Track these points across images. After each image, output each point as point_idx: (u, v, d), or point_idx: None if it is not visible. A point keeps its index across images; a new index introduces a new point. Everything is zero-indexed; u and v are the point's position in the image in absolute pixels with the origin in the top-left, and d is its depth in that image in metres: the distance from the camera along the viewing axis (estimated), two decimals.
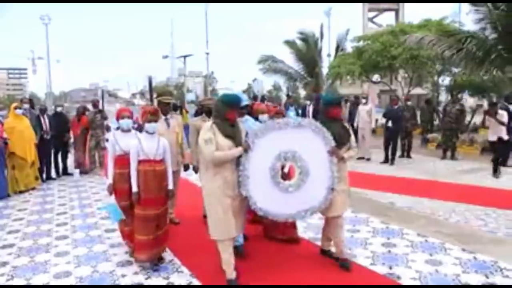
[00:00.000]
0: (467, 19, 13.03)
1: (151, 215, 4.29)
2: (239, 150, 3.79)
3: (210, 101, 5.41)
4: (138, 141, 4.30)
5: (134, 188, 4.26)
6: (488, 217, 5.93)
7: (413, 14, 63.33)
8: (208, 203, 3.92)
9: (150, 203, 4.28)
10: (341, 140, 4.10)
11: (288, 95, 17.96)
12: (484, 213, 6.14)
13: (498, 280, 3.91)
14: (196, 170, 5.31)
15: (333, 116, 4.18)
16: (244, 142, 3.87)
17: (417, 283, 3.84)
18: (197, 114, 9.13)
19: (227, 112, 3.80)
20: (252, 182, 3.82)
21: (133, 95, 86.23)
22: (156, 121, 4.33)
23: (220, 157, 3.73)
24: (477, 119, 15.70)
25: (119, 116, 4.77)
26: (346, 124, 4.39)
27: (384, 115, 11.15)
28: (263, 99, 15.30)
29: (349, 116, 12.50)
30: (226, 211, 3.82)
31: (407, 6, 37.74)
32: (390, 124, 10.76)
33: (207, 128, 3.78)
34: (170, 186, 4.48)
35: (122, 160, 4.51)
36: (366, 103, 11.74)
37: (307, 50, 22.51)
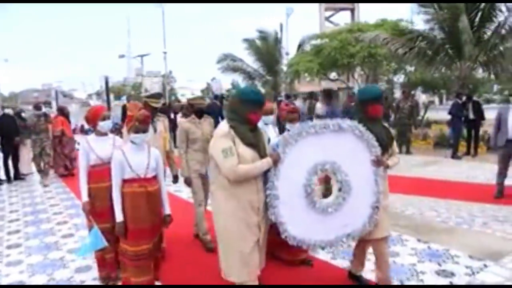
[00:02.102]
0: (420, 19, 13.56)
1: (144, 251, 3.41)
2: (268, 162, 2.96)
3: (201, 100, 5.00)
4: (122, 154, 3.39)
5: (119, 218, 3.36)
6: (440, 208, 6.20)
7: (368, 14, 65.27)
8: (226, 236, 3.05)
9: (143, 235, 3.40)
10: (384, 145, 3.39)
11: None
12: (437, 204, 6.41)
13: (449, 266, 4.12)
14: (188, 182, 4.72)
15: (374, 115, 3.40)
16: (271, 152, 3.10)
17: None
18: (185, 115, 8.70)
19: (248, 112, 2.95)
20: (283, 203, 3.04)
21: (89, 95, 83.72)
22: (145, 131, 3.45)
23: (246, 173, 2.88)
24: (430, 114, 16.34)
25: (96, 117, 3.87)
26: (386, 124, 3.66)
27: (342, 112, 11.41)
28: (222, 98, 15.28)
29: (308, 113, 12.68)
30: (252, 248, 3.02)
31: (362, 6, 38.71)
32: (348, 120, 11.00)
33: (223, 133, 2.92)
34: (167, 211, 3.63)
35: (100, 171, 3.67)
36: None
37: (266, 48, 22.63)
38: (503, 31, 12.43)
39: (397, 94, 22.49)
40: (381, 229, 3.43)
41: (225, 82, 54.02)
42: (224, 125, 3.01)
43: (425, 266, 4.14)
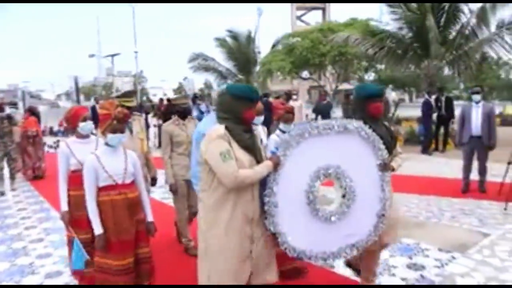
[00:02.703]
0: (389, 18, 13.94)
1: (130, 264, 3.15)
2: (268, 166, 2.65)
3: (185, 99, 4.65)
4: (95, 159, 3.09)
5: (98, 230, 3.06)
6: (411, 203, 6.37)
7: (339, 13, 66.13)
8: (216, 248, 2.67)
9: (125, 248, 3.13)
10: (388, 146, 3.14)
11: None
12: (408, 199, 6.57)
13: (419, 260, 4.24)
14: (174, 190, 4.48)
15: (376, 114, 3.20)
16: (271, 154, 2.85)
17: (348, 270, 4.02)
18: (165, 117, 8.17)
19: (243, 110, 2.66)
20: (282, 211, 2.73)
21: (58, 96, 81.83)
22: (123, 130, 3.16)
23: (247, 178, 2.56)
24: (400, 112, 16.69)
25: (77, 118, 3.57)
26: (386, 123, 3.48)
27: (314, 110, 11.56)
28: (195, 97, 15.18)
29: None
30: (243, 260, 2.69)
31: (333, 5, 39.25)
32: (319, 119, 11.16)
33: (218, 134, 2.59)
34: (150, 218, 3.35)
35: (80, 177, 3.22)
36: (296, 99, 12.08)
37: (239, 47, 22.61)
38: (467, 32, 12.94)
39: None
40: (392, 233, 3.35)
41: (198, 82, 53.80)
42: (217, 126, 2.67)
43: (397, 260, 4.23)
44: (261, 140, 3.08)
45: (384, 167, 3.06)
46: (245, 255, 2.68)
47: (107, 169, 3.08)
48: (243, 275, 2.69)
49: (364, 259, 3.47)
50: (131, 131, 4.14)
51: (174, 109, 4.56)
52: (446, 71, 15.15)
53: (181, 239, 4.71)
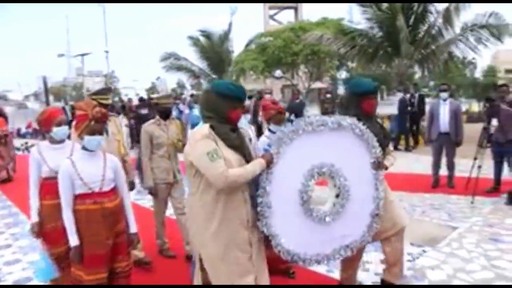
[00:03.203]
0: (361, 17, 14.23)
1: (100, 280, 2.91)
2: (260, 163, 2.52)
3: (167, 99, 4.40)
4: (70, 164, 2.86)
5: (73, 241, 2.84)
6: None
7: (311, 12, 66.71)
8: (210, 258, 2.54)
9: (98, 263, 2.89)
10: (381, 144, 3.06)
11: (192, 94, 17.88)
12: None
13: None
14: (154, 193, 4.30)
15: (370, 111, 3.16)
16: (263, 152, 2.76)
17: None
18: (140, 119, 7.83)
19: (229, 110, 2.53)
20: (275, 212, 2.60)
21: (26, 97, 79.44)
22: (102, 132, 2.94)
23: (238, 178, 2.41)
24: None
25: (51, 122, 3.24)
26: (379, 120, 3.45)
27: (287, 109, 11.61)
28: (174, 97, 15.02)
29: (254, 111, 12.72)
30: (244, 272, 2.53)
31: (306, 4, 39.56)
32: (293, 117, 11.23)
33: (203, 134, 2.46)
34: (133, 228, 3.11)
35: (53, 185, 2.99)
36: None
37: (212, 47, 22.53)
38: (434, 32, 13.34)
39: (341, 90, 23.25)
40: (398, 220, 3.30)
41: (171, 82, 53.30)
42: (202, 126, 2.54)
43: (371, 256, 4.30)
44: (250, 140, 2.93)
45: (378, 165, 3.00)
46: (245, 260, 2.53)
47: (82, 176, 2.84)
48: (244, 282, 2.51)
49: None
50: (107, 132, 3.90)
51: (156, 109, 4.33)
52: (416, 69, 15.56)
53: (159, 245, 4.62)
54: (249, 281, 2.51)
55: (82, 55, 33.15)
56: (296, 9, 37.29)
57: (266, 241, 2.66)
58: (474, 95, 32.68)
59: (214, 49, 22.40)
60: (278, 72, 21.12)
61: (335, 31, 15.24)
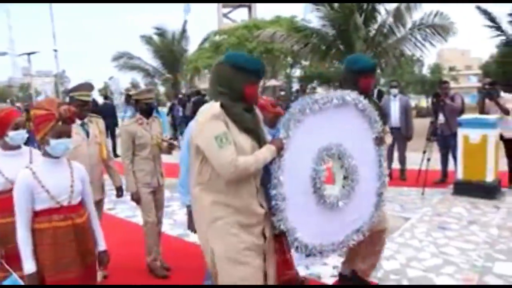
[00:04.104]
0: (314, 15, 14.50)
1: None
2: (271, 150, 2.23)
3: (149, 94, 3.93)
4: (31, 174, 2.36)
5: (29, 267, 2.32)
6: None
7: (264, 10, 67.12)
8: (222, 256, 2.23)
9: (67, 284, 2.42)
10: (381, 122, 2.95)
11: (128, 94, 17.61)
12: None
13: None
14: (137, 199, 3.84)
15: (367, 89, 3.00)
16: (272, 138, 2.38)
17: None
18: None
19: (246, 85, 2.20)
20: (290, 204, 2.35)
21: None
22: (70, 134, 2.47)
23: (250, 166, 2.13)
24: None
25: (5, 125, 2.74)
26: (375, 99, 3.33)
27: None
28: (128, 96, 14.70)
29: None
30: (258, 267, 2.26)
31: (259, 2, 39.75)
32: None
33: (213, 114, 2.12)
34: (101, 246, 2.65)
35: (8, 200, 2.48)
36: None
37: (165, 46, 22.20)
38: (385, 30, 13.82)
39: (295, 87, 23.56)
40: (384, 218, 3.17)
41: (124, 81, 52.03)
42: (212, 105, 2.18)
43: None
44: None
45: (381, 141, 2.85)
46: (259, 258, 2.27)
47: (48, 188, 2.36)
48: (257, 281, 2.26)
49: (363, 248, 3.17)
50: (87, 134, 3.54)
51: (137, 105, 3.92)
52: None
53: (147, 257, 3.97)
54: (259, 280, 2.26)
55: (29, 54, 31.55)
56: (249, 7, 37.38)
57: (278, 239, 2.48)
58: (422, 91, 34.00)
59: (168, 48, 22.09)
60: None
61: (288, 29, 15.41)
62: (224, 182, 2.16)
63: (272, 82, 24.38)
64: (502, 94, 6.53)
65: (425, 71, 35.29)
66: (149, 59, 22.60)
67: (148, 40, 22.15)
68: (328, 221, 2.59)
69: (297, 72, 21.87)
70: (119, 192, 3.90)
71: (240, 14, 38.12)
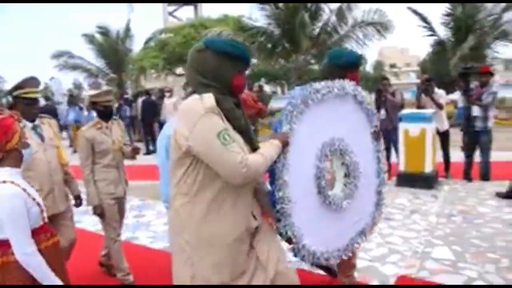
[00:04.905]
0: (260, 14, 14.66)
1: None
2: (276, 145, 1.96)
3: (108, 96, 3.58)
4: (19, 188, 2.00)
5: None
6: None
7: (211, 9, 66.67)
8: (210, 271, 1.86)
9: None
10: None
11: (71, 94, 17.04)
12: None
13: None
14: (100, 212, 3.44)
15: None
16: (276, 133, 2.10)
17: None
18: None
19: (233, 75, 1.90)
20: (296, 207, 2.11)
21: None
22: (25, 145, 2.14)
23: (259, 168, 1.83)
24: (273, 104, 17.54)
25: None
26: None
27: None
28: (71, 96, 14.18)
29: (155, 109, 12.35)
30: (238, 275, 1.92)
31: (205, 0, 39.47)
32: None
33: (208, 106, 1.76)
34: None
35: None
36: (171, 96, 11.96)
37: (109, 45, 21.54)
38: (329, 29, 14.23)
39: None
40: None
41: (66, 82, 49.87)
42: (203, 97, 1.79)
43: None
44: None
45: (378, 135, 2.67)
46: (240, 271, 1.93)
47: (39, 201, 2.09)
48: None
49: None
50: (41, 138, 3.15)
51: (95, 108, 3.59)
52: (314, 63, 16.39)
53: (115, 273, 3.63)
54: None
55: None
56: (196, 5, 37.05)
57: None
58: (366, 88, 35.18)
59: (112, 47, 21.44)
60: (179, 70, 20.86)
61: (235, 28, 15.45)
62: (216, 192, 1.82)
63: None
64: (436, 90, 6.90)
65: (368, 68, 36.61)
66: (92, 58, 21.86)
67: (90, 39, 21.40)
68: (333, 224, 2.36)
69: None
70: (78, 201, 3.48)
71: (186, 13, 37.66)
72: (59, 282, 2.07)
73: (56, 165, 3.21)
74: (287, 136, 2.03)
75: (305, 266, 3.43)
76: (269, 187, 2.13)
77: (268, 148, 1.93)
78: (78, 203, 3.50)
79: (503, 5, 15.05)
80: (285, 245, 2.22)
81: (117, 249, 3.56)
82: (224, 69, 1.87)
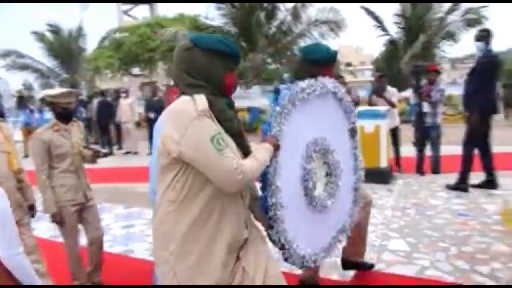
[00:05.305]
0: (216, 14, 14.64)
1: None
2: (268, 149, 1.89)
3: (69, 98, 3.30)
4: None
5: None
6: None
7: (166, 8, 65.74)
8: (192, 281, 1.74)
9: None
10: None
11: (42, 99, 16.37)
12: None
13: None
14: (59, 220, 3.21)
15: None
16: (265, 135, 2.01)
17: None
18: None
19: (224, 74, 1.80)
20: (287, 212, 2.06)
21: None
22: None
23: (253, 174, 1.76)
24: None
25: None
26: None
27: (146, 107, 11.36)
28: (20, 97, 13.59)
29: (111, 111, 12.05)
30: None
31: None
32: (152, 115, 10.98)
33: (200, 109, 1.65)
34: None
35: None
36: (127, 97, 11.70)
37: (61, 44, 20.80)
38: (284, 28, 14.42)
39: None
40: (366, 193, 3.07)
41: (15, 83, 47.69)
42: (194, 98, 1.68)
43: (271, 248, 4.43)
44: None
45: (355, 132, 2.64)
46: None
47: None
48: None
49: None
50: None
51: (53, 109, 3.33)
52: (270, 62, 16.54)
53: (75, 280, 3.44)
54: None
55: None
56: (151, 4, 36.46)
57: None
58: None
59: (64, 46, 20.75)
60: (135, 70, 20.50)
61: (192, 27, 15.35)
62: (207, 199, 1.71)
63: None
64: (389, 88, 7.14)
65: None
66: (42, 58, 21.07)
67: (40, 37, 20.61)
68: (318, 224, 2.33)
69: None
70: (31, 211, 3.18)
71: (141, 12, 36.97)
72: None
73: (5, 171, 2.95)
74: (277, 140, 1.96)
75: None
76: (260, 192, 2.05)
77: (261, 151, 1.84)
78: (32, 214, 3.22)
79: (447, 7, 15.83)
80: (273, 250, 2.17)
81: (75, 258, 3.38)
82: (214, 68, 1.76)
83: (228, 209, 1.76)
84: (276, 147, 1.93)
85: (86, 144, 3.57)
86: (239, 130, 1.81)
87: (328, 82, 2.39)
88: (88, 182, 3.46)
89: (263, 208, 2.01)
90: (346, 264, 3.39)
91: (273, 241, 2.04)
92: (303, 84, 2.20)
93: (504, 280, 3.27)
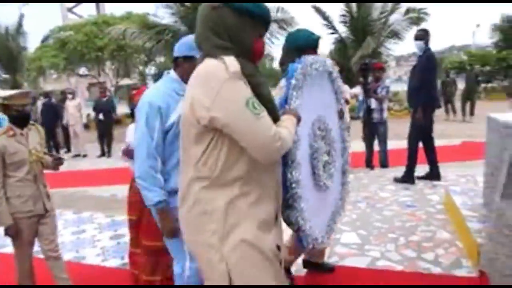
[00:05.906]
0: (165, 12, 14.41)
1: None
2: (293, 121, 1.72)
3: (24, 98, 3.03)
4: None
5: None
6: None
7: (113, 6, 63.75)
8: (247, 261, 1.58)
9: None
10: None
11: None
12: None
13: None
14: (13, 233, 2.94)
15: None
16: (283, 107, 1.92)
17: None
18: None
19: (255, 38, 1.66)
20: (303, 191, 1.98)
21: None
22: None
23: (290, 140, 1.61)
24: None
25: None
26: None
27: (94, 108, 11.02)
28: None
29: (57, 113, 11.54)
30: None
31: None
32: (101, 116, 10.67)
33: (232, 72, 1.49)
34: None
35: None
36: (73, 98, 11.29)
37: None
38: None
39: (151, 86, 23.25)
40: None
41: None
42: (224, 60, 1.51)
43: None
44: None
45: (343, 114, 2.63)
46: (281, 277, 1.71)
47: None
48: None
49: None
50: None
51: (7, 112, 3.02)
52: None
53: None
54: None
55: None
56: (97, 2, 35.35)
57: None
58: (274, 85, 36.31)
59: (1, 45, 19.67)
60: (82, 70, 19.78)
61: (140, 25, 15.02)
62: (241, 175, 1.56)
63: (126, 81, 23.43)
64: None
65: (276, 64, 37.76)
66: None
67: None
68: (321, 205, 2.29)
69: (152, 70, 21.48)
70: None
71: (87, 9, 35.79)
72: None
73: None
74: (298, 112, 1.82)
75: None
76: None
77: (289, 122, 1.68)
78: None
79: (389, 7, 16.48)
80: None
81: (27, 270, 3.12)
82: (245, 30, 1.62)
83: (266, 182, 1.64)
84: (298, 120, 1.78)
85: (46, 150, 3.27)
86: (270, 97, 1.67)
87: (327, 60, 2.37)
88: (48, 191, 3.19)
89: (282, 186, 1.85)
90: (307, 264, 3.43)
91: (290, 222, 1.94)
92: (310, 59, 2.15)
93: (446, 264, 3.47)
